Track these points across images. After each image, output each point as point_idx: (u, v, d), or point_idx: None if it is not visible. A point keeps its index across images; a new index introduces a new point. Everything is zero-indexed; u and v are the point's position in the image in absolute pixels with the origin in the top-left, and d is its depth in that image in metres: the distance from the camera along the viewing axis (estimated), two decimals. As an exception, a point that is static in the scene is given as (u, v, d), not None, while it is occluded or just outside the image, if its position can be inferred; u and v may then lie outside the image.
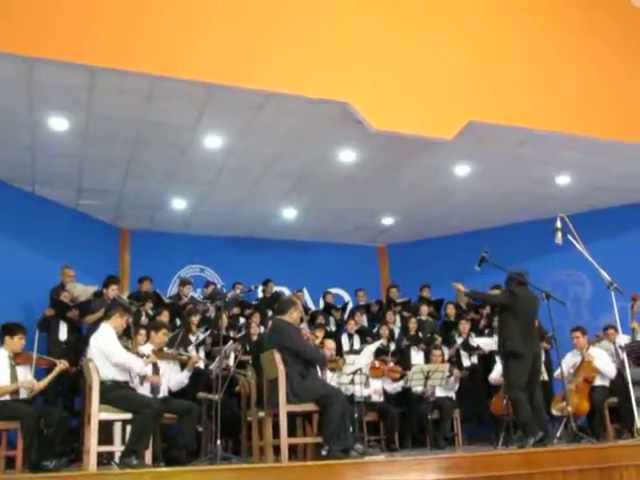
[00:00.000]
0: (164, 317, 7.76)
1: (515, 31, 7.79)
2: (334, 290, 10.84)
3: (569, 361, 7.48)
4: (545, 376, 7.89)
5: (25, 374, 6.00)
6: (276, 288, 9.99)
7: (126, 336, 6.08)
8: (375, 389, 8.02)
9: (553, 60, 7.83)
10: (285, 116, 7.03)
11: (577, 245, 5.84)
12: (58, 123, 6.91)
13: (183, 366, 6.63)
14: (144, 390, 5.72)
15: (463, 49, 7.42)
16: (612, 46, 8.20)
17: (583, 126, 7.62)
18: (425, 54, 7.21)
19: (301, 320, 6.11)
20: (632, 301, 7.70)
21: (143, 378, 5.89)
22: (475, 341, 8.59)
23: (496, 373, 7.82)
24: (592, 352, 7.50)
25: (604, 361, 7.44)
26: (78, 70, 5.89)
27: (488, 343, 8.19)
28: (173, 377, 6.48)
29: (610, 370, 7.39)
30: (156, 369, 6.21)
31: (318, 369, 6.01)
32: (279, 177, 8.61)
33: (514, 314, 6.04)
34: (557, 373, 7.41)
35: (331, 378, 7.13)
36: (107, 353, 5.32)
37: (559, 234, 5.90)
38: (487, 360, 8.54)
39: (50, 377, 6.12)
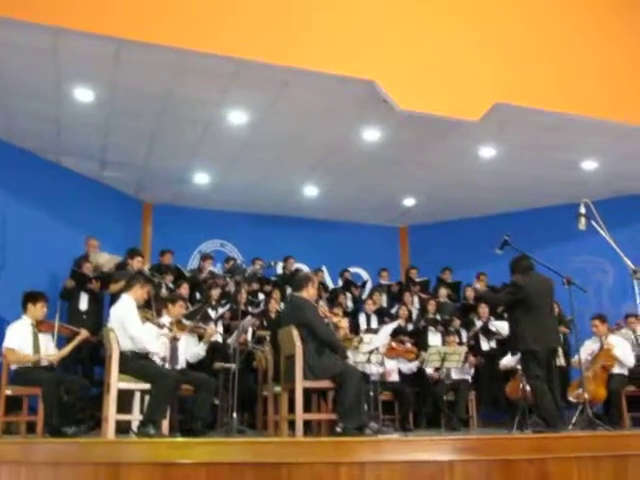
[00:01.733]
0: (183, 290, 7.82)
1: (544, 14, 7.64)
2: (353, 269, 10.85)
3: (588, 347, 7.43)
4: (562, 361, 7.87)
5: (47, 342, 6.11)
6: (296, 265, 10.02)
7: (147, 307, 6.13)
8: (391, 368, 8.03)
9: (581, 44, 7.68)
10: (310, 93, 7.00)
11: (601, 231, 5.76)
12: (84, 94, 6.94)
13: (201, 339, 6.70)
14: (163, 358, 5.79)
15: (491, 31, 7.30)
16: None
17: (611, 111, 7.49)
18: (453, 35, 7.11)
19: (319, 297, 6.12)
20: None
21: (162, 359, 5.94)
22: (494, 325, 8.55)
23: (507, 359, 7.81)
24: (612, 340, 7.43)
25: (624, 350, 7.38)
26: (104, 42, 5.89)
27: (507, 327, 8.15)
28: (190, 349, 6.55)
29: (629, 359, 7.33)
30: (175, 340, 6.27)
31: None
32: (302, 155, 8.60)
33: (523, 308, 5.90)
34: (575, 360, 7.36)
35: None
36: (125, 323, 5.38)
37: (583, 220, 5.81)
38: (506, 344, 8.50)
39: (71, 346, 6.22)
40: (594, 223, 5.79)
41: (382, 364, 7.51)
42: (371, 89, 6.68)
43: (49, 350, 6.05)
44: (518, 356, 7.21)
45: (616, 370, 7.32)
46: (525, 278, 6.01)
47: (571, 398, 7.24)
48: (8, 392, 5.73)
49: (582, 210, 5.80)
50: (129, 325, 5.40)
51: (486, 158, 8.68)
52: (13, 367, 5.78)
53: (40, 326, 6.08)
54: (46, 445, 3.96)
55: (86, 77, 6.64)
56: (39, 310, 6.06)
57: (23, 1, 5.51)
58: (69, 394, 5.66)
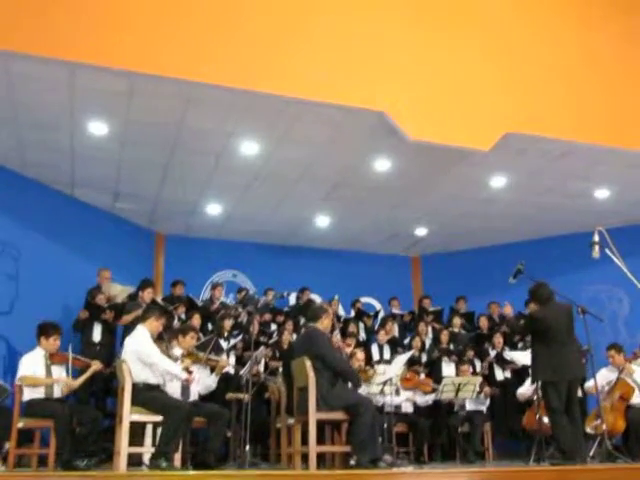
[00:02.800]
0: (195, 321, 7.82)
1: (553, 44, 7.70)
2: (365, 299, 10.81)
3: (604, 376, 7.31)
4: (580, 393, 7.75)
5: (60, 374, 6.10)
6: (310, 295, 10.00)
7: (160, 339, 6.13)
8: (406, 397, 7.94)
9: (591, 72, 7.73)
10: (321, 124, 7.05)
11: (615, 260, 5.71)
12: (98, 128, 7.03)
13: (213, 370, 6.66)
14: (175, 393, 5.76)
15: (500, 60, 7.37)
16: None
17: (622, 139, 7.49)
18: (462, 65, 7.18)
19: (332, 328, 6.10)
20: None
21: (185, 381, 5.89)
22: (509, 355, 8.46)
23: (524, 389, 7.72)
24: (631, 370, 7.31)
25: (642, 377, 7.27)
26: (118, 75, 5.99)
27: (522, 357, 8.06)
28: (202, 381, 6.51)
29: None
30: (189, 372, 6.24)
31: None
32: (314, 185, 8.63)
33: (542, 339, 5.88)
34: (589, 385, 7.24)
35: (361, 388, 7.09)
36: (142, 354, 5.37)
37: (596, 248, 5.77)
38: (520, 374, 8.41)
39: (84, 377, 6.22)
40: (608, 251, 5.74)
41: (397, 393, 7.44)
42: (381, 119, 6.72)
43: (61, 382, 6.03)
44: (535, 385, 7.14)
45: (635, 401, 7.20)
46: (543, 309, 5.97)
47: (589, 429, 7.11)
48: (20, 424, 5.71)
49: (596, 238, 5.76)
50: (147, 354, 5.39)
51: (497, 187, 8.68)
52: (25, 399, 5.76)
53: (53, 358, 6.08)
54: (58, 479, 3.93)
55: (100, 110, 6.73)
56: (52, 342, 6.07)
57: (40, 36, 5.62)
58: (81, 426, 5.63)
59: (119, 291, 8.03)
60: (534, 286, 6.11)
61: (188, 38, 6.13)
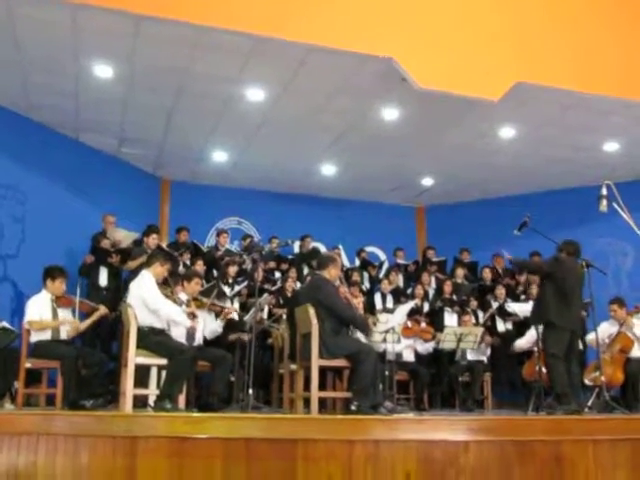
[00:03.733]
0: (199, 267, 7.86)
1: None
2: (370, 248, 10.83)
3: (605, 329, 7.35)
4: (580, 345, 7.82)
5: (66, 317, 6.16)
6: (313, 244, 10.02)
7: (165, 284, 6.17)
8: (407, 345, 8.02)
9: (600, 23, 7.52)
10: (328, 71, 6.94)
11: (622, 214, 5.68)
12: (102, 70, 6.94)
13: (218, 316, 6.73)
14: (180, 337, 5.83)
15: (510, 10, 7.18)
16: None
17: (632, 90, 7.36)
18: (472, 14, 7.00)
19: (340, 279, 6.12)
20: None
21: (190, 328, 5.94)
22: (511, 307, 8.51)
23: (523, 341, 7.80)
24: (631, 324, 7.36)
25: (643, 331, 7.32)
26: (122, 17, 5.88)
27: (524, 309, 8.10)
28: (208, 325, 6.59)
29: None
30: (194, 317, 6.30)
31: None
32: (320, 133, 8.56)
33: (554, 284, 5.96)
34: (591, 338, 7.30)
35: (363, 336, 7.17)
36: (147, 299, 5.42)
37: (604, 202, 5.73)
38: (522, 326, 8.48)
39: (90, 320, 6.30)
40: (615, 205, 5.71)
41: (398, 341, 7.52)
42: (390, 67, 6.61)
43: (67, 325, 6.11)
44: (532, 338, 7.21)
45: (634, 354, 7.26)
46: (568, 259, 6.02)
47: (587, 381, 7.20)
48: (28, 365, 5.81)
49: (603, 192, 5.72)
50: (151, 299, 5.43)
51: (505, 138, 8.59)
52: (33, 340, 5.85)
53: (59, 301, 6.14)
54: (65, 417, 4.02)
55: (105, 53, 6.63)
56: (58, 285, 6.12)
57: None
58: (87, 368, 5.73)
59: (124, 236, 8.05)
60: (565, 241, 6.17)
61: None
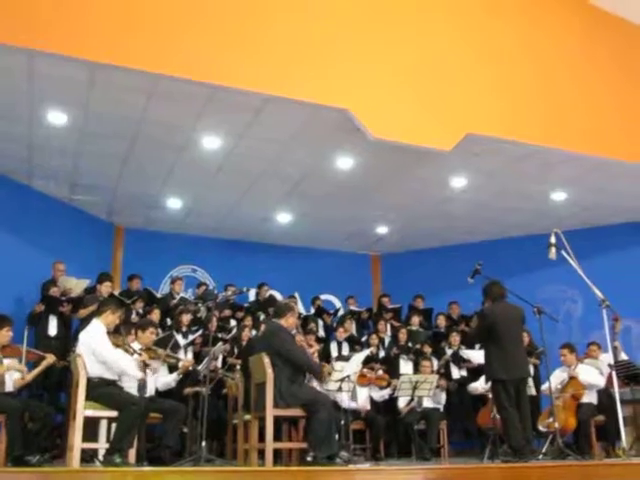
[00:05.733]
0: (154, 316, 7.73)
1: (519, 44, 7.79)
2: (325, 296, 10.84)
3: (557, 377, 7.48)
4: (533, 391, 7.91)
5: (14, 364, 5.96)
6: (270, 292, 9.97)
7: (116, 333, 6.04)
8: (363, 400, 7.96)
9: (557, 75, 7.82)
10: (284, 120, 7.03)
11: (570, 261, 5.84)
12: (57, 117, 6.89)
13: (171, 368, 6.60)
14: (131, 388, 5.68)
15: (464, 61, 7.43)
16: (618, 64, 8.21)
17: (584, 144, 7.63)
18: (426, 65, 7.21)
19: (297, 328, 6.12)
20: (614, 321, 7.71)
21: (141, 380, 5.81)
22: (465, 353, 8.57)
23: (477, 384, 7.89)
24: (579, 369, 7.50)
25: (590, 375, 7.44)
26: (79, 64, 5.86)
27: (478, 356, 8.18)
28: (161, 377, 6.45)
29: (596, 380, 7.40)
30: (145, 366, 6.17)
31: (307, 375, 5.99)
32: (276, 181, 8.60)
33: (491, 337, 5.98)
34: (544, 387, 7.43)
35: (318, 385, 7.11)
36: (96, 350, 5.28)
37: (553, 249, 5.90)
38: (476, 373, 8.53)
39: (38, 370, 6.10)
40: (564, 253, 5.86)
41: (354, 397, 7.48)
42: (344, 117, 6.73)
43: (14, 375, 5.91)
44: (486, 384, 7.27)
45: (585, 400, 7.37)
46: (494, 307, 6.06)
47: (541, 427, 7.26)
48: (-31, 419, 5.58)
49: (552, 240, 5.88)
50: (101, 350, 5.29)
51: (458, 187, 8.78)
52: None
53: (5, 351, 5.95)
54: (9, 475, 3.85)
55: (60, 100, 6.60)
56: (4, 335, 5.94)
57: (-2, 22, 5.47)
58: (34, 421, 5.52)
59: (74, 285, 7.89)
60: (487, 284, 6.21)
61: (150, 30, 6.03)
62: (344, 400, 7.00)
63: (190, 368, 7.10)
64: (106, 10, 5.87)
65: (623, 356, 7.80)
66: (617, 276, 8.77)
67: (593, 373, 7.50)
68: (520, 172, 8.26)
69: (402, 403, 8.02)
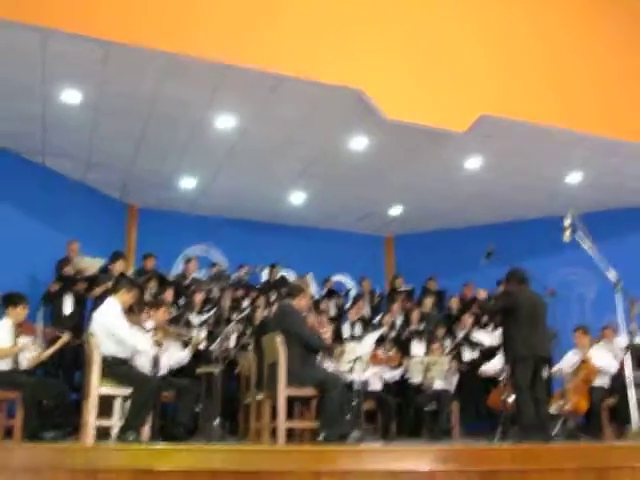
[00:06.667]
0: (168, 295, 7.77)
1: (532, 26, 7.71)
2: (338, 277, 10.85)
3: (570, 359, 7.46)
4: (545, 373, 7.89)
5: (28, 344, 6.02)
6: (281, 272, 9.99)
7: (130, 312, 6.08)
8: (374, 372, 7.99)
9: (569, 57, 7.76)
10: (299, 100, 7.00)
11: (585, 244, 5.79)
12: (71, 96, 6.89)
13: (185, 345, 6.64)
14: (144, 367, 5.73)
15: (479, 43, 7.37)
16: (631, 45, 8.10)
17: (598, 125, 7.55)
18: (441, 46, 7.16)
19: (309, 309, 6.14)
20: (629, 304, 7.66)
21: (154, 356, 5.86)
22: (476, 336, 8.57)
23: (489, 366, 7.86)
24: (592, 351, 7.47)
25: (603, 358, 7.42)
26: (93, 43, 5.86)
27: (488, 338, 8.19)
28: (174, 355, 6.49)
29: (610, 364, 7.37)
30: (159, 345, 6.21)
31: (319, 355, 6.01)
32: (289, 161, 8.59)
33: (513, 317, 5.98)
34: (556, 369, 7.40)
35: (330, 365, 7.13)
36: (112, 328, 5.33)
37: (568, 232, 5.85)
38: (488, 355, 8.52)
39: (53, 348, 6.16)
40: (579, 235, 5.82)
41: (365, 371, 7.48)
42: (359, 98, 6.69)
43: (29, 353, 5.97)
44: (499, 365, 7.26)
45: (597, 382, 7.35)
46: (520, 289, 6.07)
47: (553, 410, 7.25)
48: (-14, 396, 5.65)
49: (567, 222, 5.83)
50: (117, 329, 5.35)
51: (472, 169, 8.72)
52: (-8, 370, 5.70)
53: (21, 328, 6.00)
54: (24, 450, 3.90)
55: (74, 79, 6.59)
56: (20, 312, 5.98)
57: (11, 1, 5.46)
58: (48, 398, 5.59)
59: (88, 264, 7.92)
60: (511, 269, 6.21)
61: (165, 9, 6.02)
62: (356, 380, 7.03)
63: (201, 346, 7.15)
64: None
65: (639, 339, 7.75)
66: (632, 259, 8.69)
67: (607, 357, 7.47)
68: (534, 153, 8.19)
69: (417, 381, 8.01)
